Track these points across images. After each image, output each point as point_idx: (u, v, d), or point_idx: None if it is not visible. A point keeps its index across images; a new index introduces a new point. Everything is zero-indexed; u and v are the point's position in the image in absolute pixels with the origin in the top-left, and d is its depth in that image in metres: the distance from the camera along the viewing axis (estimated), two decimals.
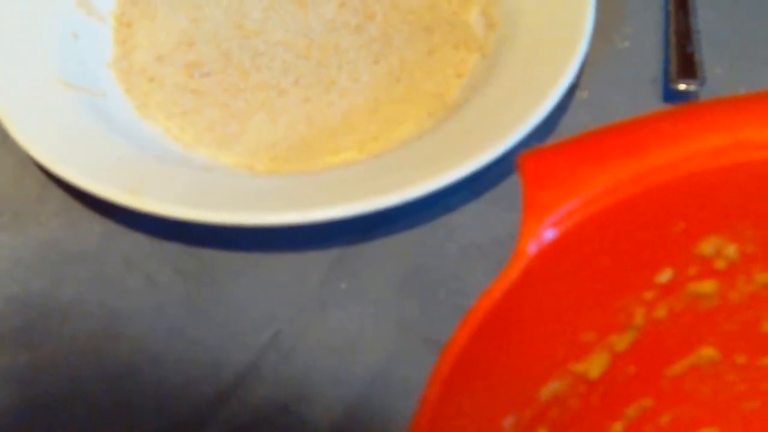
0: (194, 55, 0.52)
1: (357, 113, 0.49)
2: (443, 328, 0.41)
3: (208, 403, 0.40)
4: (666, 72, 0.50)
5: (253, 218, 0.41)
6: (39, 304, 0.44)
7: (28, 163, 0.47)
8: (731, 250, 0.25)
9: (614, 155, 0.23)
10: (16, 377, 0.41)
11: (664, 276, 0.25)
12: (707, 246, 0.25)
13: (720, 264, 0.25)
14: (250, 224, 0.41)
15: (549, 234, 0.22)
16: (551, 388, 0.25)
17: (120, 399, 0.40)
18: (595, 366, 0.25)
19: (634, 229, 0.23)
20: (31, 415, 0.40)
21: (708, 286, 0.26)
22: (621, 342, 0.26)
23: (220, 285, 0.44)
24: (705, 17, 0.52)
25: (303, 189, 0.43)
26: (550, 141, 0.48)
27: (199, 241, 0.44)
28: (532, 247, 0.22)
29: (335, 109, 0.49)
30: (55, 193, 0.47)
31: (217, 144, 0.48)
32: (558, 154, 0.23)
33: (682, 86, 0.48)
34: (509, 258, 0.40)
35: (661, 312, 0.26)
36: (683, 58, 0.49)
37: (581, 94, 0.50)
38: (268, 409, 0.39)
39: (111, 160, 0.44)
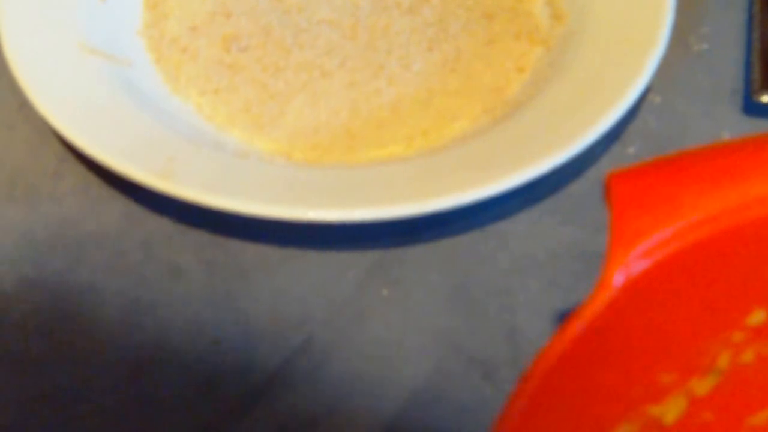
0: (231, 27, 0.52)
1: (406, 104, 0.49)
2: (490, 347, 0.42)
3: (228, 410, 0.40)
4: (748, 81, 0.49)
5: (291, 212, 0.42)
6: (52, 287, 0.44)
7: (47, 134, 0.47)
8: None
9: (717, 179, 0.23)
10: (27, 365, 0.41)
11: (756, 318, 0.25)
12: None
13: None
14: (287, 219, 0.41)
15: (639, 265, 0.22)
16: (623, 431, 0.25)
17: (133, 396, 0.41)
18: (671, 410, 0.26)
19: (730, 265, 0.24)
20: (42, 406, 0.40)
21: None
22: (702, 386, 0.26)
23: (249, 279, 0.44)
24: None
25: (346, 184, 0.44)
26: (617, 149, 0.48)
27: (228, 230, 0.45)
28: (618, 279, 0.22)
29: (383, 98, 0.49)
30: (74, 168, 0.47)
31: (253, 126, 0.49)
32: (653, 175, 0.23)
33: (765, 99, 0.47)
34: (565, 274, 0.41)
35: (748, 356, 0.26)
36: None
37: (653, 99, 0.50)
38: (294, 421, 0.40)
39: (137, 136, 0.45)
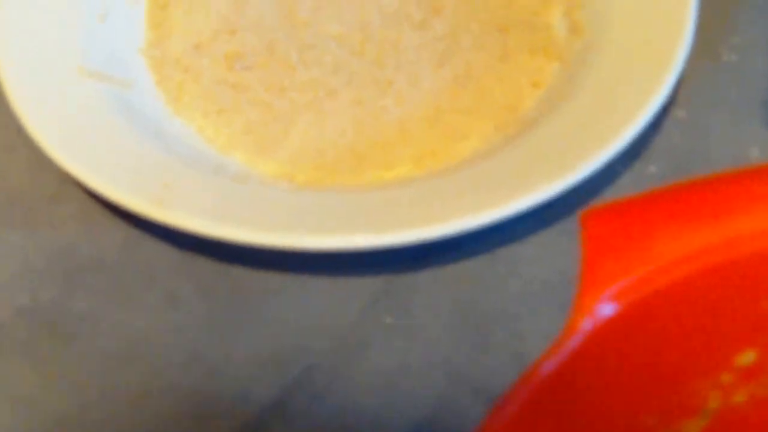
0: (235, 44, 0.52)
1: (415, 122, 0.49)
2: (498, 377, 0.41)
3: None
4: None
5: (291, 241, 0.41)
6: (48, 316, 0.44)
7: (45, 157, 0.47)
8: None
9: (692, 218, 0.22)
10: (22, 395, 0.41)
11: (746, 358, 0.24)
12: None
13: None
14: (288, 247, 0.41)
15: (607, 309, 0.22)
16: None
17: (129, 427, 0.41)
18: None
19: (712, 305, 0.23)
20: None
21: None
22: (690, 428, 0.25)
23: (248, 308, 0.44)
24: None
25: (348, 210, 0.43)
26: (638, 166, 0.47)
27: (229, 255, 0.45)
28: (586, 324, 0.22)
29: (390, 116, 0.49)
30: (74, 192, 0.47)
31: (256, 148, 0.48)
32: (625, 214, 0.23)
33: None
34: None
35: (740, 397, 0.25)
36: None
37: (678, 113, 0.49)
38: None
39: (134, 161, 0.45)
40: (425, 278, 0.44)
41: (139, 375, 0.43)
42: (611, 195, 0.47)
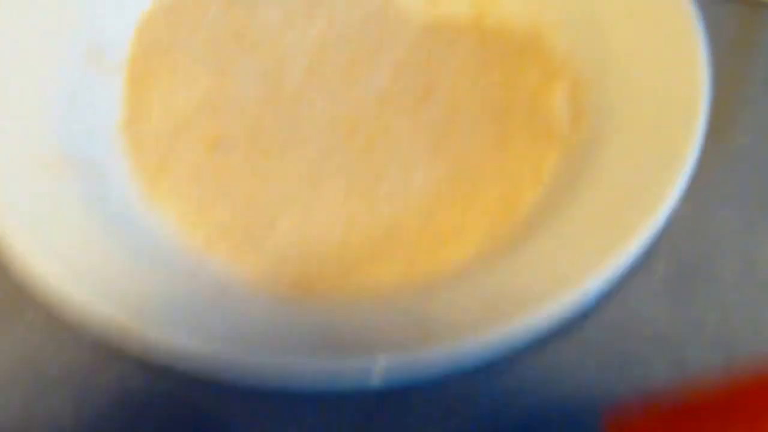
0: (218, 124, 0.49)
1: (407, 219, 0.46)
2: None
3: None
4: None
5: (265, 368, 0.38)
6: None
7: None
8: None
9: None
10: None
11: None
12: None
13: None
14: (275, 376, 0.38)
15: None
16: None
17: None
18: None
19: None
20: None
21: None
22: None
23: (228, 428, 0.40)
24: None
25: (333, 328, 0.40)
26: (642, 272, 0.44)
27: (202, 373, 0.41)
28: None
29: (382, 211, 0.46)
30: (37, 298, 0.44)
31: (238, 245, 0.46)
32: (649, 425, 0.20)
33: None
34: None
35: None
36: None
37: (684, 207, 0.45)
38: None
39: (99, 268, 0.41)
40: (422, 395, 0.42)
41: None
42: (610, 310, 0.43)
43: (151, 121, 0.50)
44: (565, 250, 0.42)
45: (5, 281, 0.45)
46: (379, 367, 0.39)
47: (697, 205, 0.46)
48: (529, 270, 0.42)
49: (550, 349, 0.42)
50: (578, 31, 0.49)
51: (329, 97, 0.50)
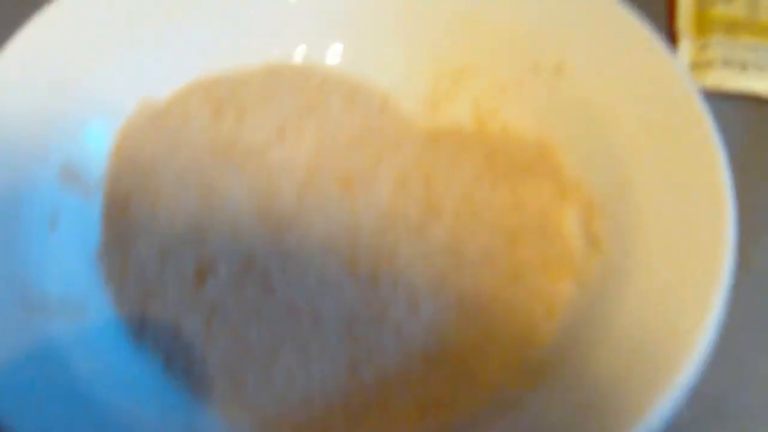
0: (206, 253, 0.46)
1: (416, 361, 0.42)
2: None
3: None
4: None
5: None
6: None
7: None
8: None
9: None
10: None
11: None
12: None
13: None
14: None
15: None
16: None
17: None
18: None
19: None
20: None
21: None
22: None
23: None
24: None
25: None
26: None
27: None
28: None
29: (388, 352, 0.42)
30: None
31: (231, 396, 0.42)
32: None
33: None
34: None
35: None
36: None
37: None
38: None
39: None
40: None
41: None
42: None
43: (132, 250, 0.46)
44: (582, 411, 0.39)
45: None
46: None
47: (718, 340, 0.43)
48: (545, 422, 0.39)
49: None
50: (589, 146, 0.46)
51: (326, 219, 0.46)
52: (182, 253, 0.46)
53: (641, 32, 0.46)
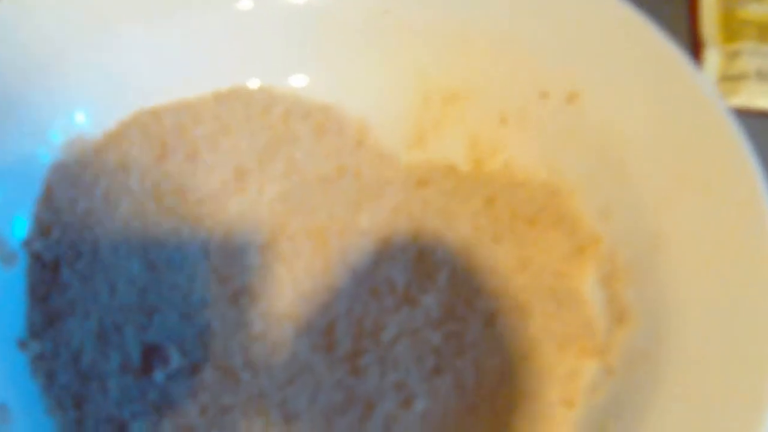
0: (154, 334, 0.37)
1: None
2: None
3: None
4: None
5: None
6: None
7: None
8: None
9: None
10: None
11: None
12: None
13: None
14: None
15: None
16: None
17: None
18: None
19: None
20: None
21: None
22: None
23: None
24: None
25: None
26: None
27: None
28: None
29: None
30: None
31: None
32: None
33: None
34: None
35: None
36: None
37: None
38: None
39: None
40: None
41: None
42: None
43: (63, 329, 0.37)
44: None
45: None
46: None
47: None
48: None
49: None
50: (609, 190, 0.39)
51: (297, 288, 0.39)
52: (125, 333, 0.37)
53: (665, 51, 0.39)
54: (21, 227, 0.40)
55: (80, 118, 0.41)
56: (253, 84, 0.43)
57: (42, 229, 0.40)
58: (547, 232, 0.40)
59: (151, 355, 0.38)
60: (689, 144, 0.38)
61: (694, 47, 0.47)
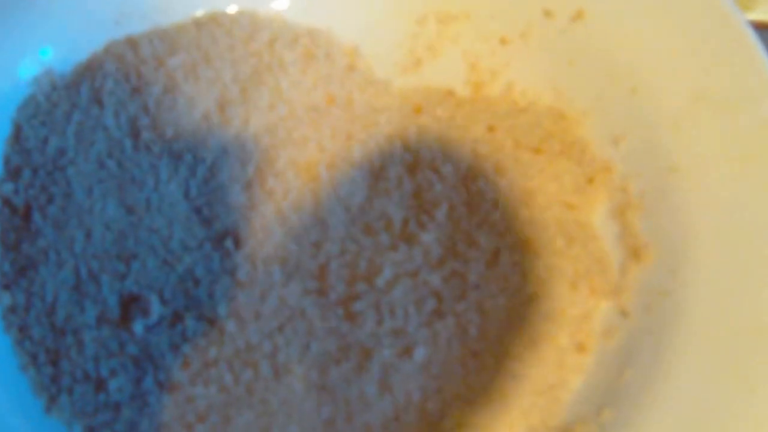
0: (132, 281, 0.34)
1: (410, 419, 0.31)
2: None
3: None
4: None
5: None
6: None
7: None
8: None
9: None
10: None
11: None
12: None
13: None
14: None
15: None
16: None
17: None
18: None
19: None
20: None
21: None
22: None
23: None
24: None
25: None
26: None
27: None
28: None
29: (373, 411, 0.32)
30: None
31: None
32: None
33: None
34: None
35: None
36: None
37: None
38: None
39: None
40: None
41: None
42: None
43: (36, 278, 0.35)
44: None
45: None
46: None
47: None
48: None
49: None
50: (620, 116, 0.36)
51: (285, 228, 0.36)
52: (101, 282, 0.34)
53: None
54: None
55: (50, 51, 0.37)
56: (233, 9, 0.39)
57: (11, 171, 0.37)
58: (553, 162, 0.36)
59: (130, 305, 0.35)
60: (707, 60, 0.34)
61: None
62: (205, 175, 0.37)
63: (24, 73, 0.38)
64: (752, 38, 0.33)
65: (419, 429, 0.33)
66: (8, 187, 0.36)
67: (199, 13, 0.39)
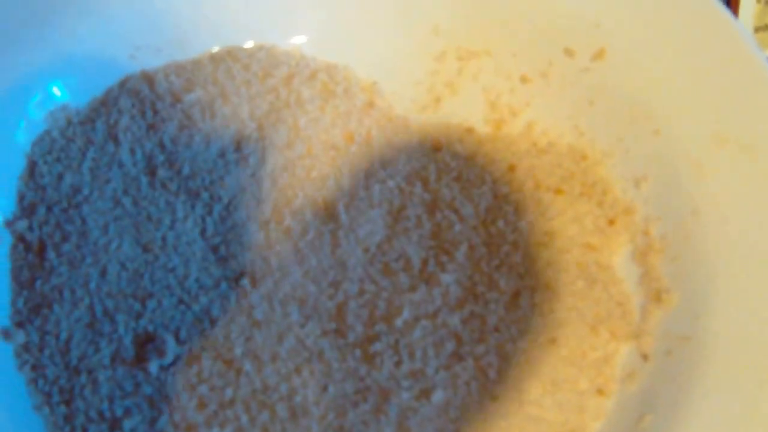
0: (147, 320, 0.33)
1: None
2: None
3: None
4: None
5: None
6: None
7: None
8: None
9: None
10: None
11: None
12: None
13: None
14: None
15: None
16: None
17: None
18: None
19: None
20: None
21: None
22: None
23: None
24: None
25: None
26: None
27: None
28: None
29: None
30: None
31: None
32: None
33: None
34: None
35: None
36: None
37: None
38: None
39: None
40: None
41: None
42: None
43: (50, 317, 0.34)
44: None
45: None
46: None
47: None
48: None
49: None
50: (643, 157, 0.35)
51: (303, 267, 0.35)
52: (116, 321, 0.34)
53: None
54: (3, 207, 0.36)
55: (63, 86, 0.37)
56: (250, 44, 0.39)
57: (25, 208, 0.36)
58: (574, 203, 0.36)
59: (145, 345, 0.35)
60: (730, 102, 0.34)
61: None
62: (222, 214, 0.36)
63: (36, 109, 0.37)
64: None
65: None
66: (22, 224, 0.36)
67: (216, 47, 0.39)
